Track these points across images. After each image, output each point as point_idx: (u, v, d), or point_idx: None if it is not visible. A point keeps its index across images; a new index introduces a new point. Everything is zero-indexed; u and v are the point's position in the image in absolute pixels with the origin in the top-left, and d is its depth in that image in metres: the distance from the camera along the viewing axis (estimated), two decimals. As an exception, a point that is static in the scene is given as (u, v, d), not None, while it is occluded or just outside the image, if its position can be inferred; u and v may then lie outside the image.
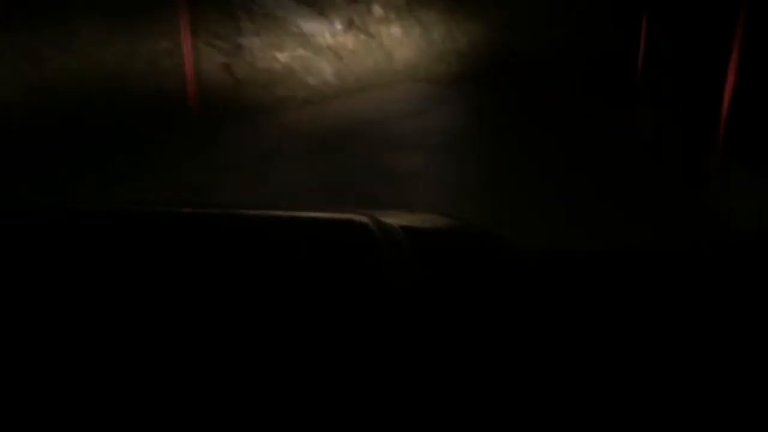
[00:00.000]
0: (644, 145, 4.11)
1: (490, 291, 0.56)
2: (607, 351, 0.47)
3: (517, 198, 3.40)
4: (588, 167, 3.78)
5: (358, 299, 0.54)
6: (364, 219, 0.79)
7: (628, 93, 4.51)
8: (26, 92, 4.44)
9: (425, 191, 3.77)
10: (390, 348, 0.46)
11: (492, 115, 5.11)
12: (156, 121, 4.64)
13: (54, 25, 4.50)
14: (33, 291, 0.54)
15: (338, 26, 5.70)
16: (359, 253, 0.67)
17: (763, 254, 0.66)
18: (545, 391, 0.42)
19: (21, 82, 4.43)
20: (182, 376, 0.43)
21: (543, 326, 0.50)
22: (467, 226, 0.75)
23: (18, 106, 4.39)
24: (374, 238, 0.73)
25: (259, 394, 0.41)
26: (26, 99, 4.42)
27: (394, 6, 6.00)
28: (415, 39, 6.06)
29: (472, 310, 0.52)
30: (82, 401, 0.40)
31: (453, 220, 0.77)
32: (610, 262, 0.67)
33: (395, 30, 6.02)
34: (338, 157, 4.38)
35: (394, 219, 0.79)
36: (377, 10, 5.79)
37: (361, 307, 0.52)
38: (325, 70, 5.75)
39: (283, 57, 5.48)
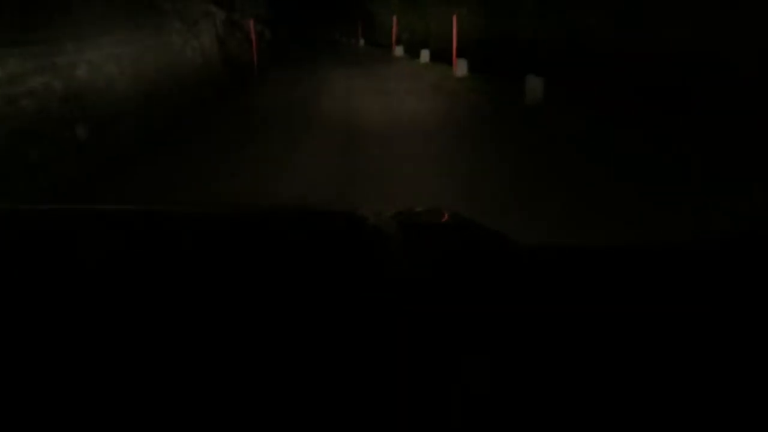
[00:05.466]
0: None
1: (486, 286, 0.55)
2: (606, 350, 0.46)
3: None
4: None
5: (351, 293, 0.54)
6: (357, 212, 0.78)
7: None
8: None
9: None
10: (383, 343, 0.46)
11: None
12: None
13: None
14: (33, 291, 0.54)
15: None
16: (353, 247, 0.67)
17: (761, 251, 0.65)
18: (542, 390, 0.41)
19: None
20: (182, 373, 0.43)
21: (540, 323, 0.49)
22: (463, 221, 0.75)
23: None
24: (368, 231, 0.72)
25: (255, 389, 0.41)
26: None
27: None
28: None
29: (468, 305, 0.51)
30: (82, 402, 0.39)
31: (449, 214, 0.77)
32: (610, 258, 0.66)
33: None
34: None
35: (390, 213, 0.78)
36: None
37: (355, 301, 0.52)
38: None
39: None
